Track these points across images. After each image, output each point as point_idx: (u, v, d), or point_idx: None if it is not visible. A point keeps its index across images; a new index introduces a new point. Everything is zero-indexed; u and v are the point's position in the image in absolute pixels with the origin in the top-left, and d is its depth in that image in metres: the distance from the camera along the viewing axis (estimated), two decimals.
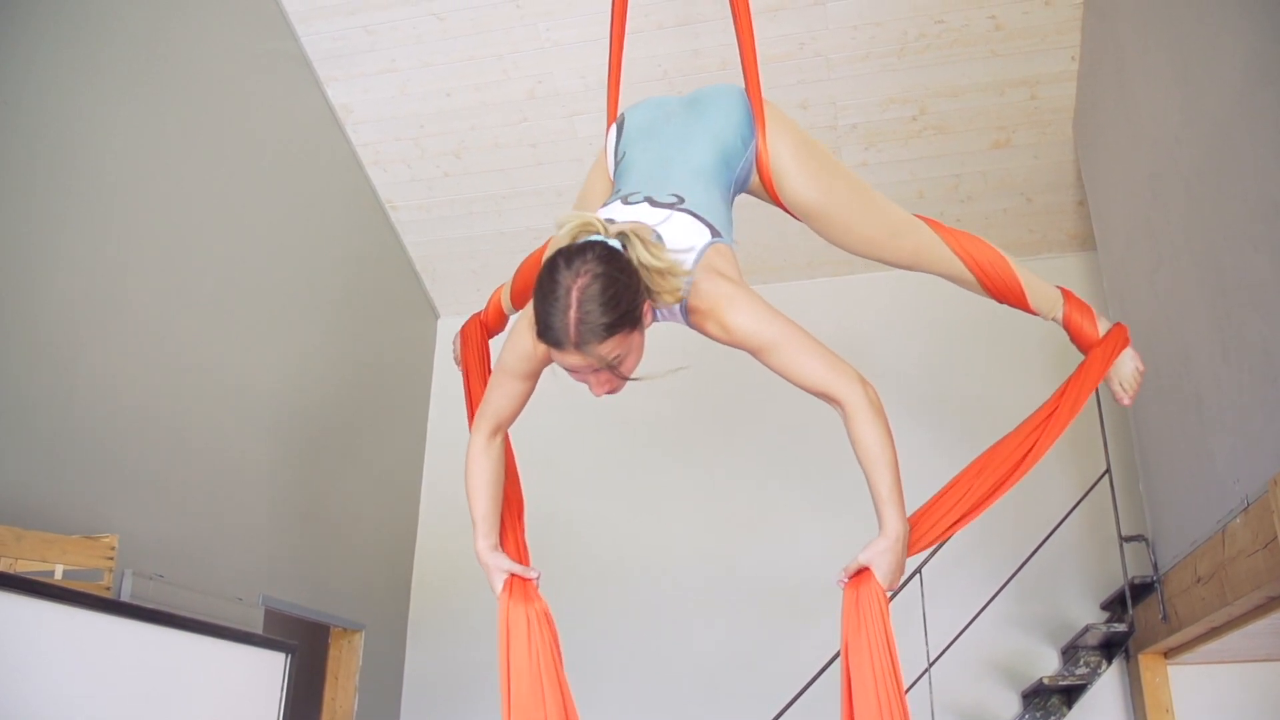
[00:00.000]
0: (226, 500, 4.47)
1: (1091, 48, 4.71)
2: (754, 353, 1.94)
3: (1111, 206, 4.73)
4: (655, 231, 1.90)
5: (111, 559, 3.14)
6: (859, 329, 5.97)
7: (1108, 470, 4.89)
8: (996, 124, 5.27)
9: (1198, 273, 3.52)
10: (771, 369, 1.95)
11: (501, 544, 2.21)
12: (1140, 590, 4.56)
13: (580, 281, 1.72)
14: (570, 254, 1.77)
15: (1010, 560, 5.02)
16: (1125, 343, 2.48)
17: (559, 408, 6.29)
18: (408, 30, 5.04)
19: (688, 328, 2.01)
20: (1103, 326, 2.51)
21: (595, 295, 1.72)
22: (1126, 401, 2.51)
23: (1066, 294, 2.57)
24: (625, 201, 2.04)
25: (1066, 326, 2.56)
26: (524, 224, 5.93)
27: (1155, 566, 4.38)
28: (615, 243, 1.80)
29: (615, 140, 2.29)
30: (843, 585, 1.96)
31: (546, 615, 2.07)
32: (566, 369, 1.83)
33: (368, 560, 5.65)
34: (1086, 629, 4.68)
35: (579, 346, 1.74)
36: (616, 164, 2.27)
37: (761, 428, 5.91)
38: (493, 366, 2.28)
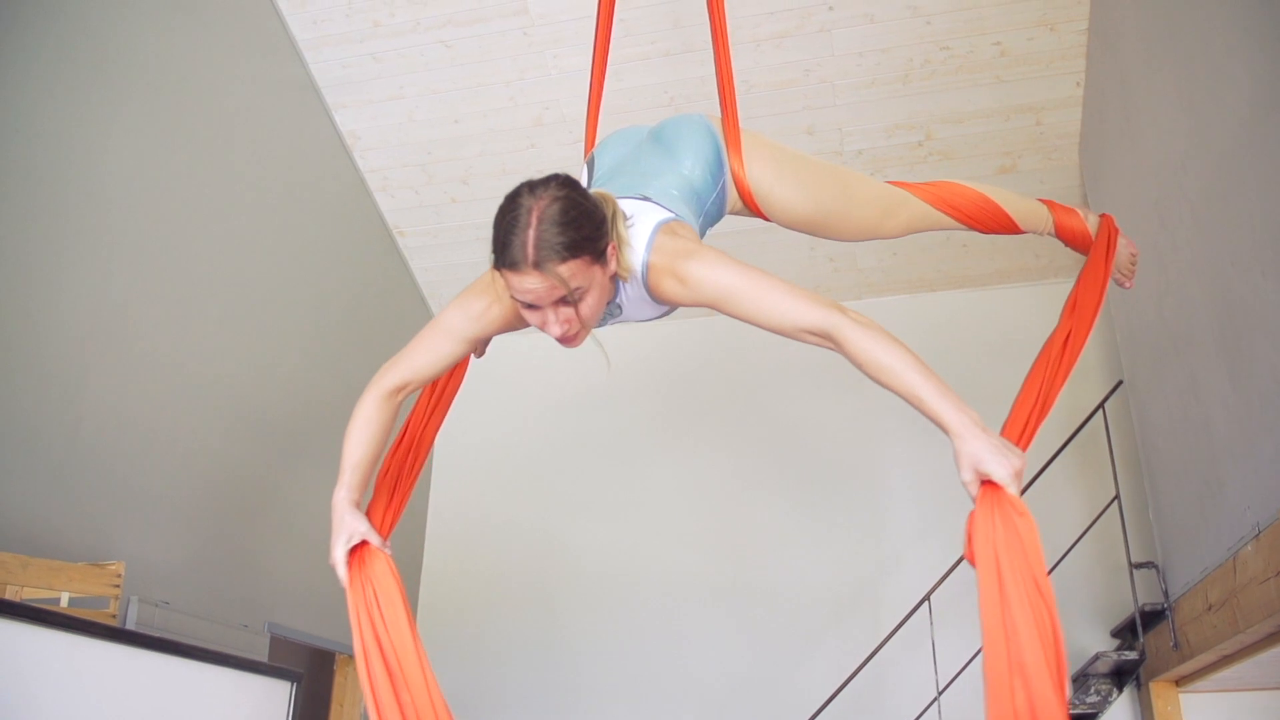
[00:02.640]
0: (232, 526, 4.46)
1: (1096, 74, 4.72)
2: (718, 304, 1.80)
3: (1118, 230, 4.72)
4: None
5: (118, 586, 3.13)
6: None
7: (1117, 496, 4.86)
8: (1002, 149, 5.28)
9: (1205, 299, 3.51)
10: (742, 318, 1.80)
11: (368, 512, 1.98)
12: (1151, 618, 4.52)
13: (541, 203, 1.67)
14: (534, 182, 1.73)
15: None
16: (1116, 232, 2.51)
17: (555, 426, 6.31)
18: (415, 58, 5.07)
19: (655, 312, 1.96)
20: (1090, 221, 2.54)
21: (555, 215, 1.66)
22: (1129, 285, 2.59)
23: (1050, 205, 2.56)
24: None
25: (1060, 236, 2.57)
26: None
27: (1166, 594, 4.35)
28: None
29: (587, 181, 2.25)
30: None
31: (392, 570, 1.84)
32: (524, 303, 1.72)
33: None
34: (1097, 657, 4.65)
35: (537, 265, 1.65)
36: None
37: (764, 447, 5.89)
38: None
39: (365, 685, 1.68)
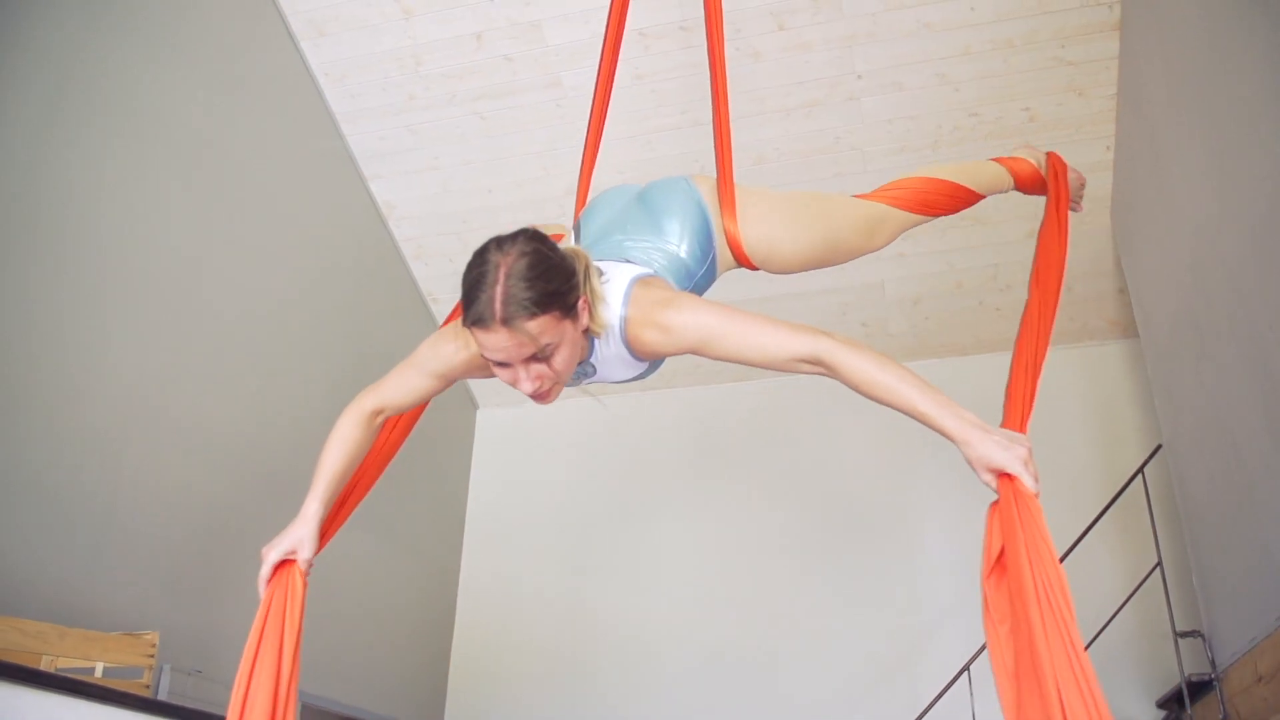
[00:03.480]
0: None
1: (1126, 138, 4.73)
2: (703, 348, 1.77)
3: (1152, 295, 4.70)
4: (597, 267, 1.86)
5: (152, 656, 3.13)
6: (901, 419, 5.92)
7: (1159, 563, 4.77)
8: (1034, 213, 5.23)
9: (1244, 363, 3.47)
10: (730, 358, 1.76)
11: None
12: (1198, 688, 4.41)
13: (509, 259, 1.65)
14: (502, 238, 1.71)
15: None
16: (1064, 167, 2.60)
17: (586, 492, 6.29)
18: (449, 129, 5.17)
19: (632, 372, 1.93)
20: (1039, 160, 2.61)
21: (523, 270, 1.63)
22: (1080, 208, 2.62)
23: (1001, 161, 2.59)
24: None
25: (1020, 188, 2.63)
26: None
27: (1213, 663, 4.24)
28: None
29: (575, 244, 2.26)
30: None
31: (299, 592, 2.00)
32: (495, 362, 1.70)
33: (404, 653, 5.60)
34: None
35: (506, 323, 1.62)
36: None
37: (797, 514, 5.84)
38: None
39: (240, 674, 1.83)
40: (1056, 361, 5.82)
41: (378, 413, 2.08)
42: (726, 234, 2.18)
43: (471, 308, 1.65)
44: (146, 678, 3.11)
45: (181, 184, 4.18)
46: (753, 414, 6.18)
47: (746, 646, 5.65)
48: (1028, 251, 5.46)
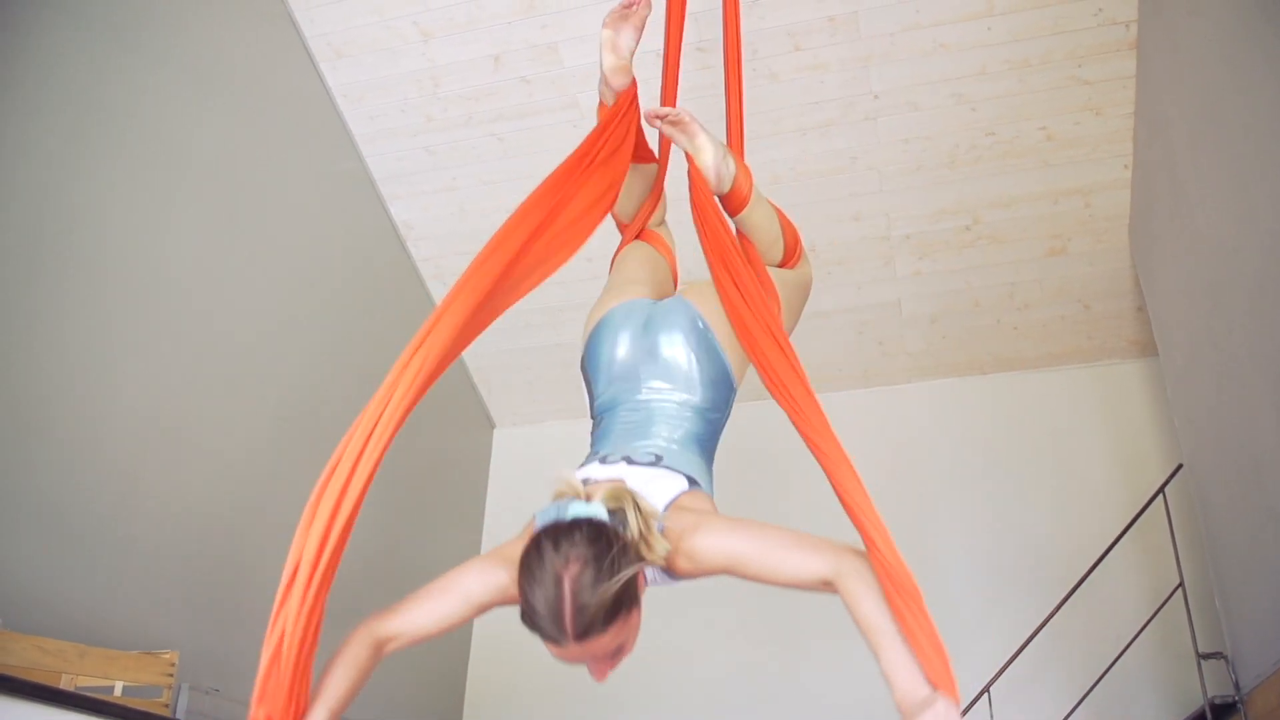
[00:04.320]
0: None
1: (1144, 157, 4.72)
2: (730, 572, 1.76)
3: (1172, 314, 4.68)
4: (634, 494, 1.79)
5: (171, 675, 3.14)
6: (918, 438, 5.91)
7: (1181, 584, 4.72)
8: (1051, 232, 5.27)
9: (1265, 383, 3.45)
10: (757, 581, 1.76)
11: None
12: (1221, 710, 4.36)
13: (572, 570, 1.59)
14: (557, 535, 1.63)
15: (1083, 678, 4.84)
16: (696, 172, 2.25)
17: None
18: (467, 150, 5.20)
19: (674, 584, 1.86)
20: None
21: (589, 583, 1.58)
22: (686, 119, 2.23)
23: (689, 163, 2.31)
24: (603, 462, 1.98)
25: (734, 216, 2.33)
26: (578, 335, 5.98)
27: (1237, 685, 4.19)
28: (601, 511, 1.68)
29: (587, 373, 2.26)
30: None
31: None
32: (561, 659, 1.68)
33: (421, 674, 5.60)
34: None
35: (579, 640, 1.60)
36: (589, 357, 2.25)
37: None
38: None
39: None
40: (1075, 380, 5.81)
41: (391, 640, 1.92)
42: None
43: (539, 624, 1.63)
44: (166, 697, 3.12)
45: (200, 204, 4.21)
46: (767, 432, 6.14)
47: (764, 667, 5.61)
48: (1046, 271, 5.50)
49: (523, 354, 6.20)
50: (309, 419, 4.81)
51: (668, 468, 1.94)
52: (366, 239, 5.41)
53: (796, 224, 2.42)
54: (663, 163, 2.58)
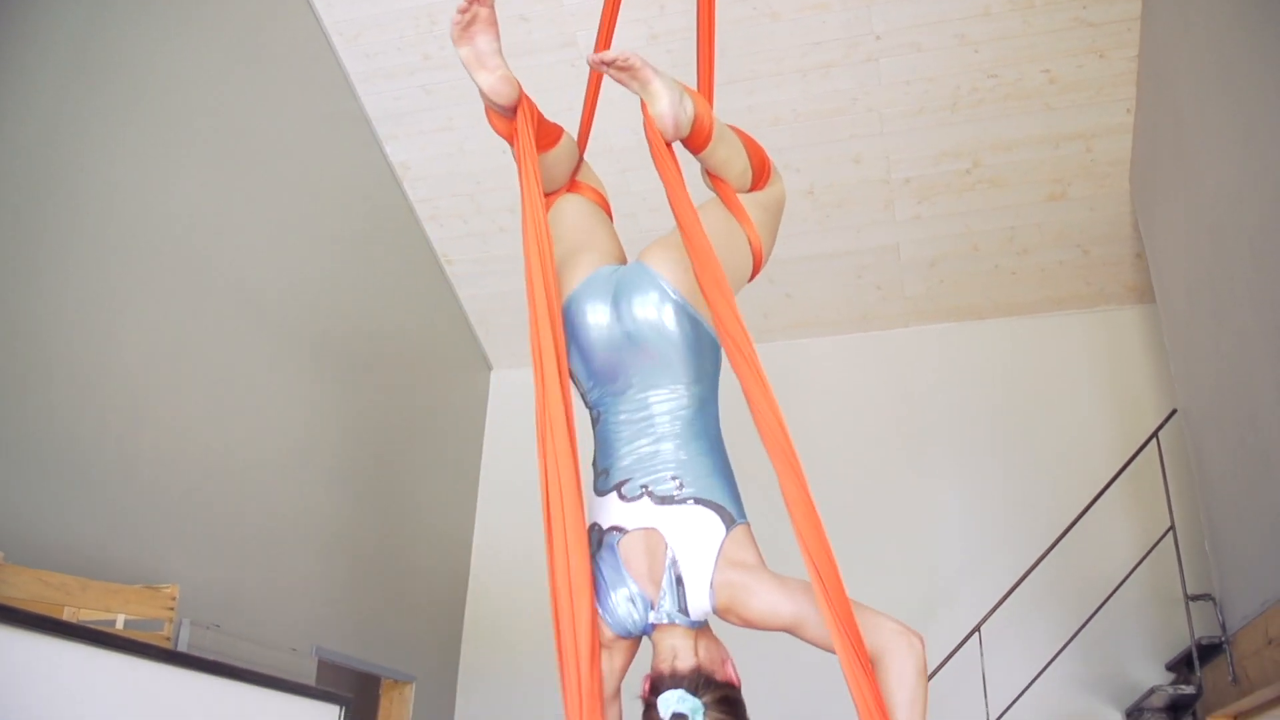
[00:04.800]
0: (281, 551, 4.51)
1: (1147, 101, 4.68)
2: (786, 631, 1.88)
3: (1171, 260, 4.67)
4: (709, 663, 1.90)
5: (172, 609, 3.18)
6: (915, 382, 5.93)
7: (1172, 527, 4.77)
8: (1052, 176, 5.24)
9: (1264, 330, 3.45)
10: (811, 644, 1.86)
11: None
12: (1208, 651, 4.43)
13: None
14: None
15: (1072, 619, 4.91)
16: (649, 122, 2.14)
17: None
18: (465, 89, 5.13)
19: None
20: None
21: None
22: (636, 64, 2.07)
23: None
24: (623, 497, 2.01)
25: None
26: None
27: (1224, 627, 4.25)
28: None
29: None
30: None
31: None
32: None
33: (419, 611, 5.67)
34: (1152, 690, 4.55)
35: None
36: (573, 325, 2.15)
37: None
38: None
39: None
40: (1072, 326, 5.82)
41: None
42: (752, 247, 2.20)
43: None
44: (167, 630, 3.16)
45: (196, 143, 4.18)
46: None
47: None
48: (1046, 215, 5.48)
49: (519, 295, 6.12)
50: (308, 357, 4.82)
51: (697, 501, 1.97)
52: (362, 179, 5.37)
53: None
54: (588, 114, 2.48)
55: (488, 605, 6.14)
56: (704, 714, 1.76)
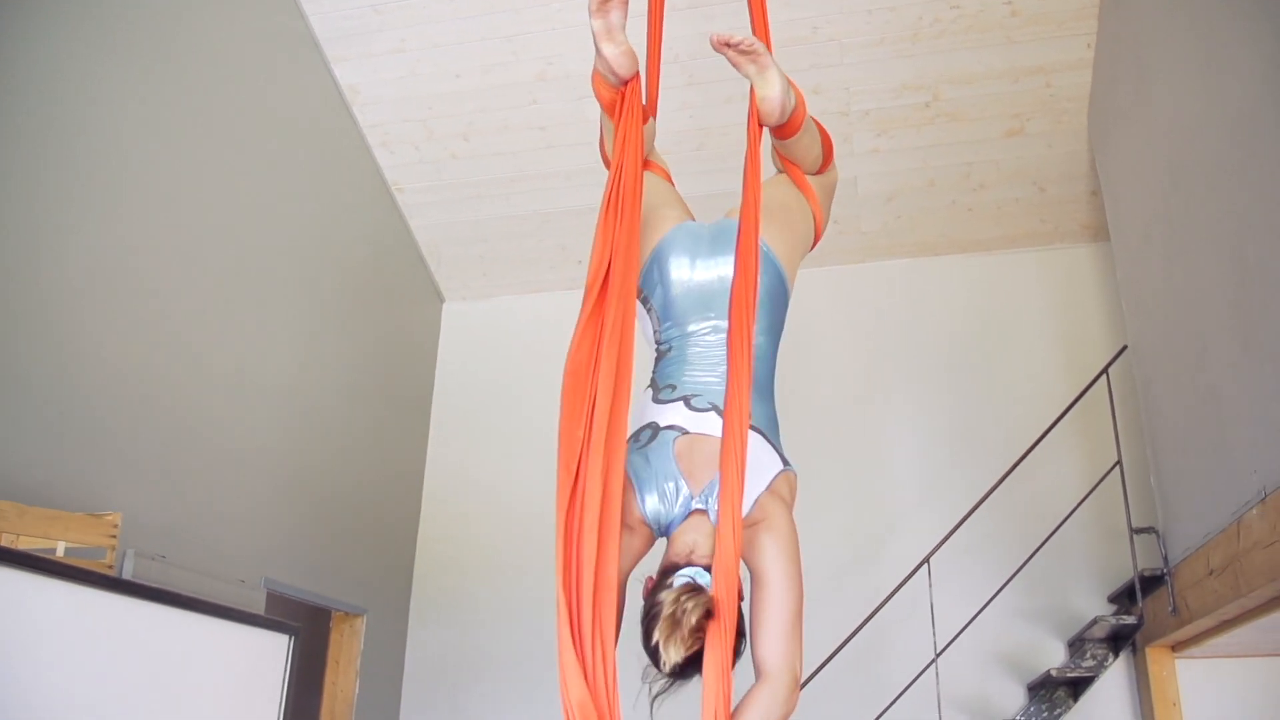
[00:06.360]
0: (229, 482, 4.43)
1: (1108, 35, 4.65)
2: (752, 573, 1.96)
3: (1126, 197, 4.68)
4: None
5: (114, 537, 3.11)
6: (870, 317, 5.93)
7: (1119, 462, 4.84)
8: (1010, 112, 5.22)
9: (1218, 261, 3.47)
10: (751, 602, 1.94)
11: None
12: (1150, 583, 4.52)
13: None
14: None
15: (1020, 552, 4.99)
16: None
17: (554, 385, 6.25)
18: (418, 10, 4.98)
19: None
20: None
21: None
22: (759, 50, 2.14)
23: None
24: (690, 407, 2.10)
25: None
26: (531, 208, 5.89)
27: (1165, 559, 4.34)
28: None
29: (656, 297, 2.28)
30: None
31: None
32: None
33: (370, 544, 5.62)
34: (1095, 621, 4.65)
35: None
36: (649, 279, 2.27)
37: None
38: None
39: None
40: (1024, 263, 5.84)
41: None
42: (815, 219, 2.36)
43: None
44: (109, 559, 3.09)
45: (136, 65, 4.01)
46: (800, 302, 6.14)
47: None
48: (1003, 151, 5.46)
49: (473, 226, 6.08)
50: (255, 285, 4.70)
51: (760, 432, 2.09)
52: (310, 103, 5.20)
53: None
54: (653, 90, 2.47)
55: (439, 538, 6.11)
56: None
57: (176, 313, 4.16)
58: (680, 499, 2.00)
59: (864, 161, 5.48)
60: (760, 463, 2.03)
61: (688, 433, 2.06)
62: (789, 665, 1.88)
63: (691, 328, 2.22)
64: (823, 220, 2.41)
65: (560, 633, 1.76)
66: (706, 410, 2.09)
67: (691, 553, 1.94)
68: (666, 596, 1.84)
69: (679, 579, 1.88)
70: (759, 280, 2.13)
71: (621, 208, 2.11)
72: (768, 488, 2.02)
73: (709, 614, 1.79)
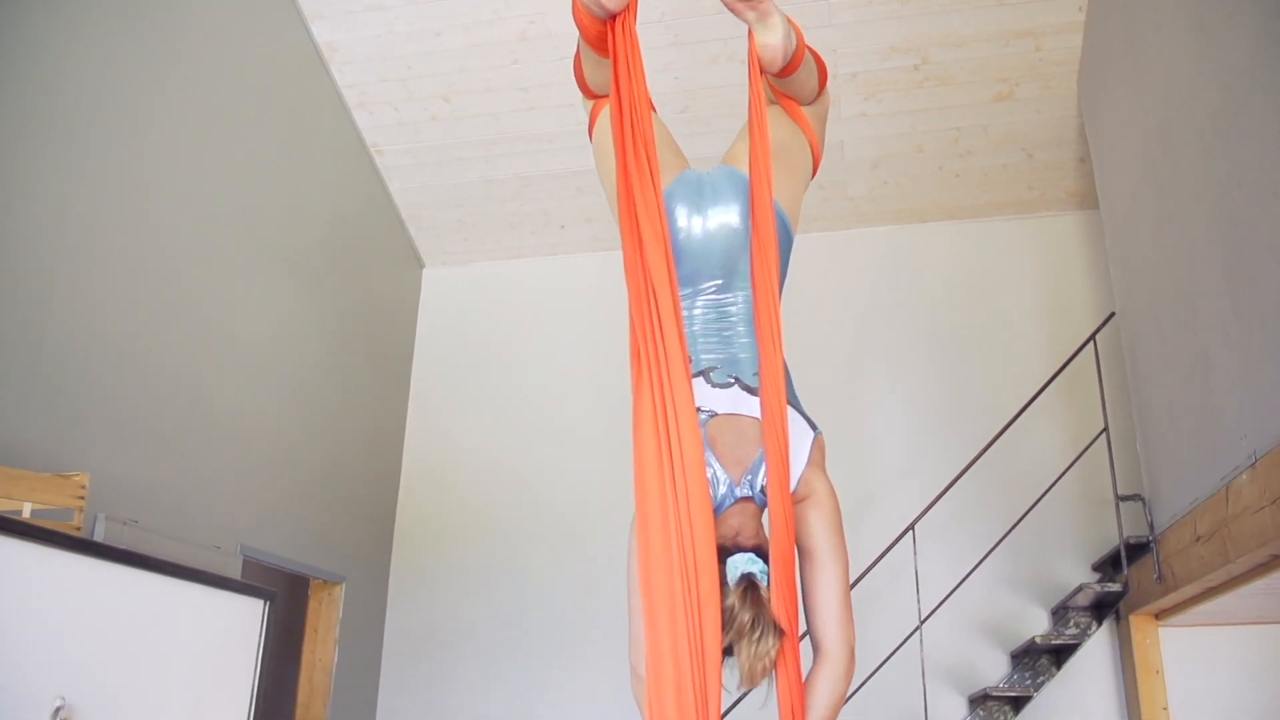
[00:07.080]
0: (204, 447, 4.35)
1: None
2: (800, 550, 1.93)
3: (1116, 162, 4.63)
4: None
5: (82, 499, 3.02)
6: (857, 284, 5.88)
7: (1105, 429, 4.81)
8: (999, 76, 5.15)
9: (1209, 225, 3.42)
10: (801, 578, 1.93)
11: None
12: (1135, 550, 4.50)
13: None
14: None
15: (1005, 519, 4.97)
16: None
17: (535, 351, 6.21)
18: None
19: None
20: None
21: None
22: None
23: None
24: (711, 382, 2.03)
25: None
26: (512, 171, 5.79)
27: (1151, 526, 4.32)
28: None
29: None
30: None
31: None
32: None
33: (349, 512, 5.55)
34: (1079, 589, 4.63)
35: None
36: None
37: None
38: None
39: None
40: (1011, 231, 5.80)
41: None
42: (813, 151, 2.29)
43: None
44: (77, 521, 3.01)
45: (109, 19, 3.89)
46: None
47: None
48: (992, 116, 5.39)
49: (453, 190, 5.97)
50: (231, 247, 4.60)
51: (788, 404, 2.02)
52: (286, 62, 5.08)
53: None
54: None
55: (419, 505, 6.05)
56: (768, 578, 1.82)
57: (149, 272, 4.06)
58: (723, 488, 1.92)
59: (851, 126, 5.40)
60: (796, 439, 1.99)
61: (716, 414, 1.99)
62: (846, 640, 1.90)
63: (700, 286, 2.13)
64: (820, 149, 2.34)
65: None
66: (729, 384, 2.03)
67: (738, 534, 1.90)
68: (739, 611, 1.79)
69: (731, 569, 1.84)
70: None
71: (636, 146, 2.01)
72: (808, 461, 1.99)
73: (780, 634, 1.80)
